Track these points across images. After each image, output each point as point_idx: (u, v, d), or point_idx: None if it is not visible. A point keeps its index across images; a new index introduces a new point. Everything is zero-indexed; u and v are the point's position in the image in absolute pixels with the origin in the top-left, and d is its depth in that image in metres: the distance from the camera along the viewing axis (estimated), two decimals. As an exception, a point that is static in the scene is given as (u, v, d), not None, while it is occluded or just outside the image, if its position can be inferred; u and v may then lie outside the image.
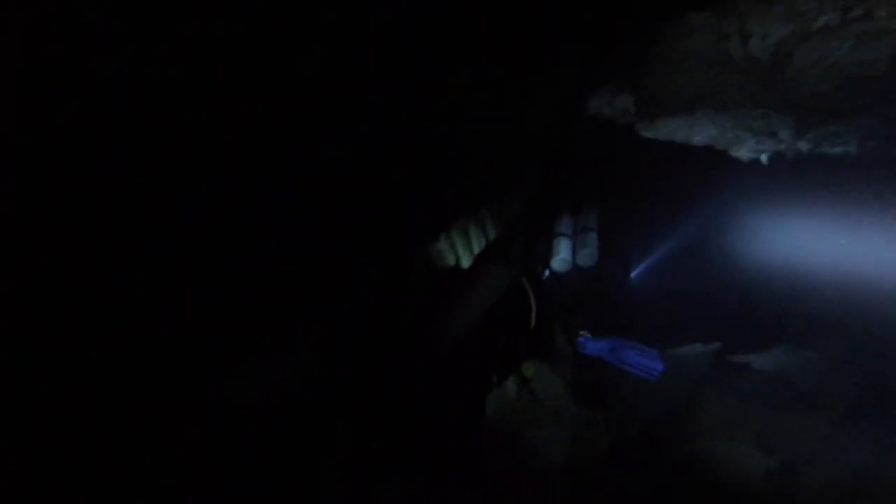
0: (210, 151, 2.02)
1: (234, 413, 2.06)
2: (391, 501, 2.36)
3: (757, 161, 3.69)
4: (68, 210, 1.70)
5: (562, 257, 2.99)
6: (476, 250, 3.24)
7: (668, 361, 3.62)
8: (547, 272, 2.78)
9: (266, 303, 2.26)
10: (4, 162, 1.59)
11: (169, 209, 1.93)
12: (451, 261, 3.10)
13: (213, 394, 2.06)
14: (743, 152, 3.68)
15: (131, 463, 1.79)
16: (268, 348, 2.25)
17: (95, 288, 1.76)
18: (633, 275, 4.08)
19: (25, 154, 1.62)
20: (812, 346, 3.74)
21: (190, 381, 1.99)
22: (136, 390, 1.82)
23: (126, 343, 1.82)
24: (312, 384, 2.30)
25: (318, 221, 2.44)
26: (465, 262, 3.14)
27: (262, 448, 2.10)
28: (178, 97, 1.88)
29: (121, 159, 1.79)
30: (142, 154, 1.83)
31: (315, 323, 2.41)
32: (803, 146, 3.47)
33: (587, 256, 3.01)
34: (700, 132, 3.56)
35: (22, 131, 1.61)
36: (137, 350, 1.84)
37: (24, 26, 1.54)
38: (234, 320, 2.15)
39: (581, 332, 2.87)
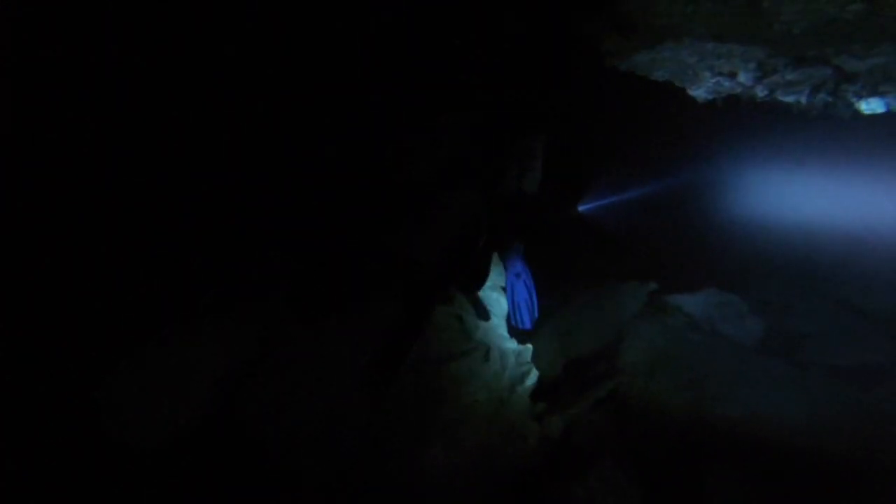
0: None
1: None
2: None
3: (712, 103, 3.62)
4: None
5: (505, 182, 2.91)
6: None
7: (599, 299, 3.64)
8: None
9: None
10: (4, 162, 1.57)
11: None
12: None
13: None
14: (700, 92, 3.59)
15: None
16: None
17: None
18: (581, 208, 4.08)
19: (25, 154, 1.60)
20: (735, 289, 3.93)
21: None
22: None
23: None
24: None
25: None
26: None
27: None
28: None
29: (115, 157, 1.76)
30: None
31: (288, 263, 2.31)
32: (759, 92, 3.41)
33: (531, 182, 2.93)
34: (662, 66, 3.40)
35: (22, 131, 1.58)
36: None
37: (23, 26, 1.51)
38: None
39: (516, 243, 2.83)
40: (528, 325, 2.57)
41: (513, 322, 2.67)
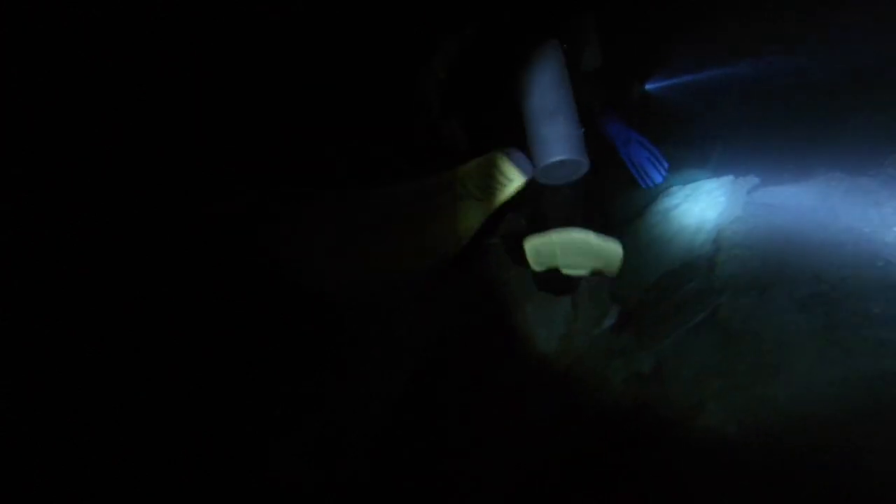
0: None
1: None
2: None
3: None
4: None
5: None
6: None
7: (686, 201, 2.96)
8: None
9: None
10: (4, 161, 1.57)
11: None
12: None
13: None
14: None
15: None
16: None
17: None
18: (648, 86, 3.27)
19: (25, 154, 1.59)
20: (863, 169, 3.07)
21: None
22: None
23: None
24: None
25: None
26: None
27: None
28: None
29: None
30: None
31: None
32: None
33: (590, 58, 2.63)
34: None
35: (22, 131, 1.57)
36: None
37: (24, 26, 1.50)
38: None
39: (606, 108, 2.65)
40: (659, 179, 2.40)
41: (641, 184, 2.47)
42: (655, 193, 3.22)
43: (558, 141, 1.95)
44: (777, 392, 2.35)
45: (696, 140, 3.29)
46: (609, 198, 3.23)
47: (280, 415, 2.04)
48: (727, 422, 2.32)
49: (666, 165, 2.43)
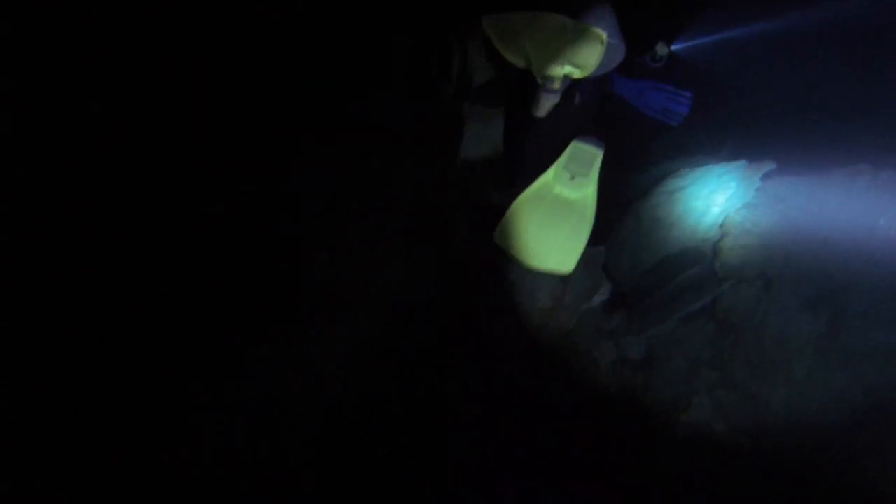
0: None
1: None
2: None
3: None
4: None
5: None
6: None
7: (694, 182, 2.83)
8: None
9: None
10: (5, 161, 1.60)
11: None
12: None
13: None
14: None
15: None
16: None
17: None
18: (674, 48, 3.04)
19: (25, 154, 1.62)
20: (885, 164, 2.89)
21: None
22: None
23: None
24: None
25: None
26: None
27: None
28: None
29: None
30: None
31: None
32: None
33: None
34: None
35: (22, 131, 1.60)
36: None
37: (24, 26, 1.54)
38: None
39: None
40: (686, 111, 2.35)
41: (671, 123, 2.40)
42: (663, 174, 3.03)
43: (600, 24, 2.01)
44: (772, 392, 2.22)
45: (712, 126, 3.08)
46: (616, 177, 3.05)
47: (273, 409, 2.05)
48: (715, 418, 2.19)
49: (689, 94, 2.30)
